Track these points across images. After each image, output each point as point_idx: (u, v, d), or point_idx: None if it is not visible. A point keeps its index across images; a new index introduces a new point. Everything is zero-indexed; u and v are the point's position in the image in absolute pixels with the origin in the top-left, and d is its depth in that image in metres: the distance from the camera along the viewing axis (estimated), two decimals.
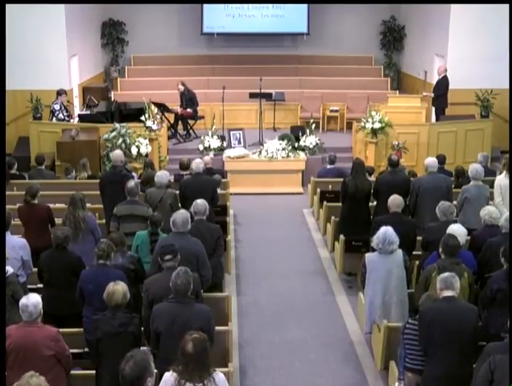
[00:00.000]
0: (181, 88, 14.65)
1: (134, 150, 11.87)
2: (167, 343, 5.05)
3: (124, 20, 18.62)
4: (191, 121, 14.74)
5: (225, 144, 13.53)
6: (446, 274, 5.32)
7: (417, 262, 7.24)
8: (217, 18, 18.66)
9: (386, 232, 6.43)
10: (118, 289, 5.30)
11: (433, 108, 14.38)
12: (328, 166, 10.99)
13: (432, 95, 13.99)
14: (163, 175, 8.55)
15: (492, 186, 8.88)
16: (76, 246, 7.07)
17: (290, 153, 12.89)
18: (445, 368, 5.17)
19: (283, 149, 12.85)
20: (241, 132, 13.87)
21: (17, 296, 5.80)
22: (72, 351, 5.37)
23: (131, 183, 7.91)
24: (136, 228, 7.48)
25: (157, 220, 7.12)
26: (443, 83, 13.91)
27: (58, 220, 7.87)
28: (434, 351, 5.21)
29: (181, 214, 6.59)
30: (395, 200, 7.48)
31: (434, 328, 5.17)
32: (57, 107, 13.06)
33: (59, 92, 13.10)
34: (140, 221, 7.66)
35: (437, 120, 13.87)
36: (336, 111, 15.72)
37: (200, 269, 6.25)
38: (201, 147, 13.34)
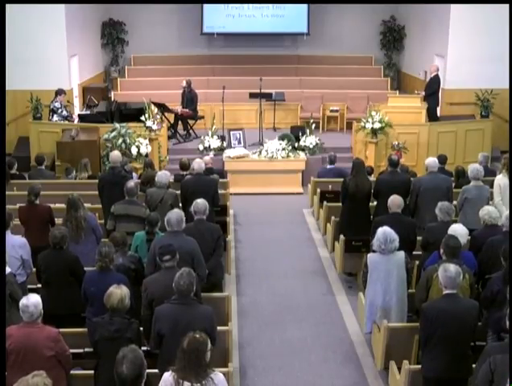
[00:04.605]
0: (183, 84, 14.66)
1: (134, 150, 11.87)
2: (170, 344, 5.03)
3: (124, 20, 18.62)
4: (191, 121, 14.74)
5: (225, 144, 13.53)
6: (452, 272, 5.28)
7: (417, 262, 7.24)
8: (217, 18, 18.66)
9: (385, 231, 6.42)
10: (116, 292, 5.26)
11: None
12: (328, 166, 10.99)
13: (423, 93, 14.03)
14: (163, 175, 8.55)
15: (492, 186, 8.89)
16: (78, 247, 7.07)
17: (290, 153, 12.89)
18: (444, 363, 5.27)
19: (283, 149, 12.85)
20: (241, 132, 13.87)
21: (15, 296, 5.81)
22: (72, 351, 5.37)
23: (131, 183, 7.92)
24: (132, 228, 7.48)
25: (153, 220, 7.11)
26: (434, 81, 14.03)
27: (58, 220, 7.87)
28: (433, 346, 5.30)
29: (175, 213, 6.60)
30: (395, 200, 7.48)
31: (436, 325, 5.23)
32: (58, 105, 13.10)
33: (58, 92, 13.12)
34: (136, 221, 7.66)
35: (430, 119, 13.87)
36: (336, 111, 15.72)
37: (195, 268, 6.23)
38: (201, 147, 13.35)
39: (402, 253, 6.50)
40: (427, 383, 5.45)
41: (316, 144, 13.32)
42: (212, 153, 12.89)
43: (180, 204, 8.50)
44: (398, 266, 6.44)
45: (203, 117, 15.11)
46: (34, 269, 6.82)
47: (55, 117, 13.13)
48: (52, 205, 8.39)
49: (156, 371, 5.10)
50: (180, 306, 5.15)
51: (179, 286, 5.14)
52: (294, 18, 18.73)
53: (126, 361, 4.01)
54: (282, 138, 13.25)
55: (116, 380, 4.06)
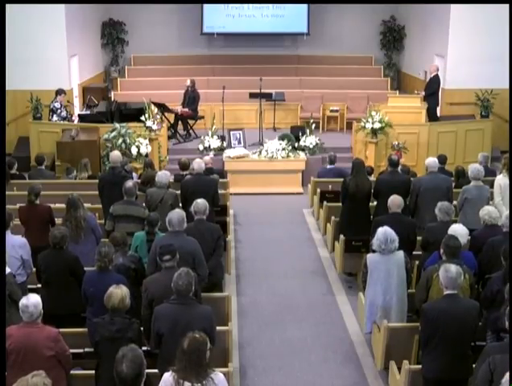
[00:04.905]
0: (188, 83, 14.68)
1: (134, 150, 11.88)
2: (170, 344, 5.05)
3: (124, 20, 18.63)
4: (191, 121, 14.74)
5: (225, 144, 13.53)
6: (452, 273, 5.28)
7: (417, 262, 7.24)
8: (217, 18, 18.66)
9: (385, 231, 6.42)
10: (117, 292, 5.25)
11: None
12: (328, 166, 10.99)
13: (423, 93, 14.04)
14: (163, 175, 8.54)
15: (492, 186, 8.89)
16: (78, 247, 7.07)
17: (290, 153, 12.89)
18: (445, 364, 5.27)
19: (283, 149, 12.85)
20: (241, 132, 13.87)
21: (14, 296, 5.81)
22: (72, 351, 5.37)
23: (129, 183, 7.90)
24: (132, 229, 7.47)
25: (153, 220, 7.10)
26: (434, 81, 14.07)
27: (58, 220, 7.87)
28: (434, 347, 5.30)
29: (177, 213, 6.60)
30: (395, 200, 7.48)
31: (437, 326, 5.23)
32: (58, 105, 13.10)
33: (59, 92, 13.13)
34: (136, 222, 7.66)
35: (430, 119, 13.89)
36: (336, 111, 15.72)
37: (196, 269, 6.25)
38: (201, 147, 13.35)
39: (401, 253, 6.50)
40: (427, 384, 5.45)
41: (316, 144, 13.32)
42: (212, 153, 12.89)
43: (180, 204, 8.50)
44: (398, 266, 6.44)
45: (203, 117, 15.11)
46: (34, 269, 6.82)
47: (55, 118, 13.14)
48: (52, 205, 8.39)
49: (156, 371, 5.10)
50: (179, 306, 5.15)
51: (178, 286, 5.15)
52: (294, 18, 18.72)
53: (126, 360, 4.01)
54: (282, 138, 13.24)
55: (116, 379, 4.06)
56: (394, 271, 6.41)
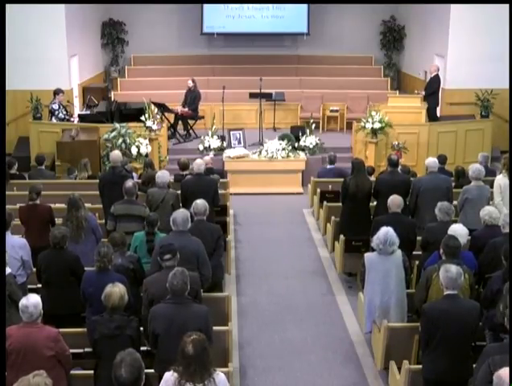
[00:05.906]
0: (190, 83, 14.71)
1: (134, 150, 11.88)
2: (166, 344, 5.06)
3: (124, 20, 18.63)
4: (191, 121, 14.75)
5: (225, 144, 13.53)
6: (453, 273, 5.28)
7: (417, 262, 7.24)
8: (217, 19, 18.65)
9: (387, 232, 6.41)
10: (115, 291, 5.26)
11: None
12: (328, 166, 10.99)
13: (423, 93, 14.05)
14: (164, 175, 8.53)
15: (492, 186, 8.89)
16: (78, 247, 7.07)
17: (290, 153, 12.89)
18: (445, 365, 5.26)
19: (283, 149, 12.85)
20: (241, 132, 13.87)
21: (14, 296, 5.80)
22: (72, 351, 5.37)
23: (129, 183, 7.90)
24: (133, 228, 7.48)
25: (153, 220, 7.10)
26: (434, 81, 14.08)
27: (58, 220, 7.86)
28: (434, 347, 5.29)
29: (181, 212, 6.61)
30: (395, 200, 7.48)
31: (437, 326, 5.23)
32: (56, 106, 13.09)
33: (56, 92, 13.12)
34: (138, 221, 7.66)
35: (430, 119, 13.90)
36: (336, 111, 15.72)
37: (200, 268, 6.26)
38: (201, 147, 13.35)
39: (399, 252, 6.49)
40: (427, 385, 5.44)
41: (316, 144, 13.32)
42: (212, 153, 12.89)
43: (181, 204, 8.49)
44: (397, 265, 6.44)
45: (203, 117, 15.11)
46: (34, 269, 6.81)
47: (54, 120, 13.13)
48: (52, 205, 8.39)
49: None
50: (175, 306, 5.15)
51: (173, 286, 5.15)
52: (294, 19, 18.70)
53: (125, 364, 3.97)
54: (282, 138, 13.25)
55: (114, 384, 4.04)
56: (393, 271, 6.41)
